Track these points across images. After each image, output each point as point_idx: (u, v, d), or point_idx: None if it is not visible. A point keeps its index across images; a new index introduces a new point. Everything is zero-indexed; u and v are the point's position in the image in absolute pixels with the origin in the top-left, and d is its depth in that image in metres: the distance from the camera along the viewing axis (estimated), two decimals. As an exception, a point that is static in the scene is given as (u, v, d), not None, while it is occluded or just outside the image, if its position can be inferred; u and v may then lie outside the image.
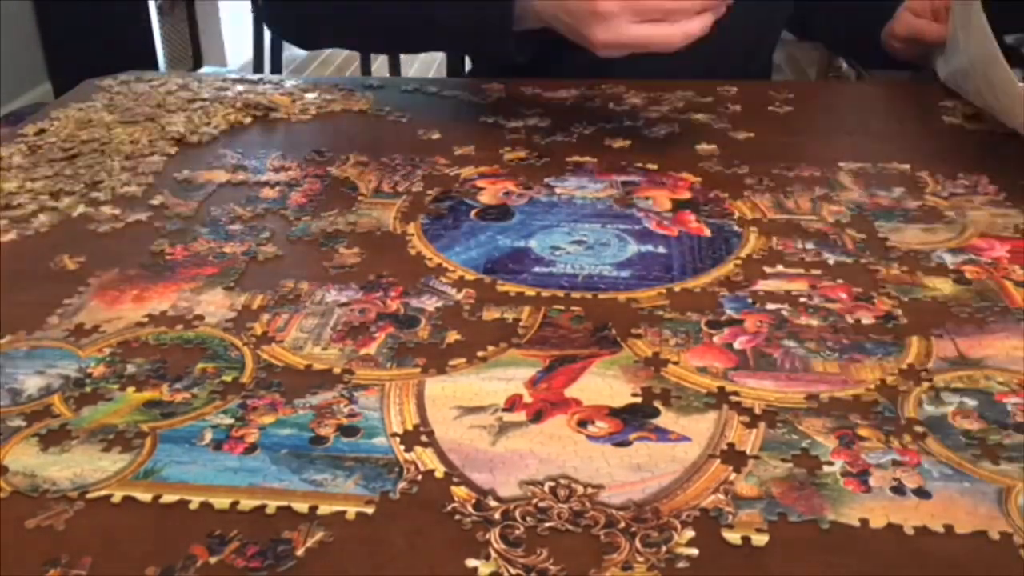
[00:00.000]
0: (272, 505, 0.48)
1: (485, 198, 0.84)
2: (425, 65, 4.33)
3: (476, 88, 1.12)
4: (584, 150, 0.94)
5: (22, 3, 3.04)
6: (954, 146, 0.94)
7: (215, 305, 0.67)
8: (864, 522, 0.47)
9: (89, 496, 0.49)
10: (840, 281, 0.69)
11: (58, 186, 0.85)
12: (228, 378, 0.59)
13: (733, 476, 0.50)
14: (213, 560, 0.45)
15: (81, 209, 0.81)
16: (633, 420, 0.55)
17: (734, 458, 0.52)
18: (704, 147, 0.94)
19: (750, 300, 0.67)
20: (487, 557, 0.45)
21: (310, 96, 1.08)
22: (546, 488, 0.50)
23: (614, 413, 0.55)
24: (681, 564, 0.45)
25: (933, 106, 1.05)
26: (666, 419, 0.55)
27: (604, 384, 0.58)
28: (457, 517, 0.48)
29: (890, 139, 0.96)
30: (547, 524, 0.47)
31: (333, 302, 0.67)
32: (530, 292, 0.68)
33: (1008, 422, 0.55)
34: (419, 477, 0.50)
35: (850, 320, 0.65)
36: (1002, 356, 0.61)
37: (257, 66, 1.88)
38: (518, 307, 0.66)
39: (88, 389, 0.58)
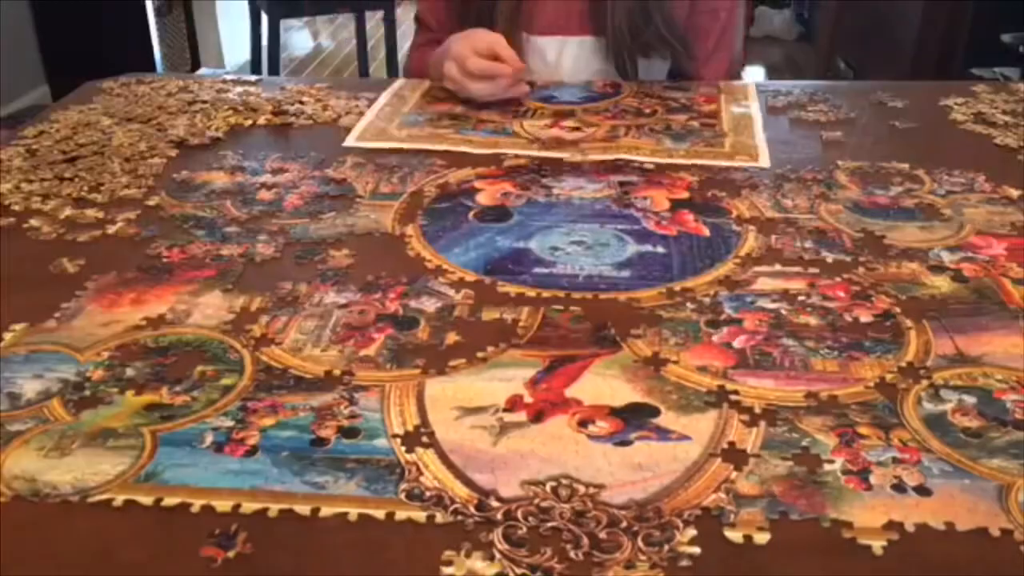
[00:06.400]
0: (274, 508, 0.49)
1: (483, 199, 0.84)
2: (422, 66, 4.31)
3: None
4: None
5: (19, 4, 3.03)
6: (951, 144, 0.94)
7: (213, 307, 0.67)
8: (864, 520, 0.47)
9: (90, 500, 0.49)
10: (838, 279, 0.70)
11: (57, 188, 0.85)
12: (230, 381, 0.59)
13: (734, 475, 0.50)
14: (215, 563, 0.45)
15: (80, 211, 0.81)
16: (634, 420, 0.55)
17: (735, 457, 0.52)
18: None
19: (749, 299, 0.67)
20: (491, 558, 0.45)
21: (309, 98, 1.08)
22: (548, 488, 0.50)
23: (615, 413, 0.55)
24: (683, 563, 0.45)
25: (931, 105, 1.05)
26: (667, 418, 0.55)
27: (604, 384, 0.58)
28: (459, 518, 0.48)
29: (888, 138, 0.96)
30: (549, 524, 0.47)
31: (332, 304, 0.67)
32: (530, 293, 0.68)
33: (1007, 419, 0.55)
34: (421, 478, 0.50)
35: (848, 318, 0.65)
36: (1000, 353, 0.61)
37: (255, 67, 1.88)
38: (517, 307, 0.66)
39: (87, 393, 0.58)
